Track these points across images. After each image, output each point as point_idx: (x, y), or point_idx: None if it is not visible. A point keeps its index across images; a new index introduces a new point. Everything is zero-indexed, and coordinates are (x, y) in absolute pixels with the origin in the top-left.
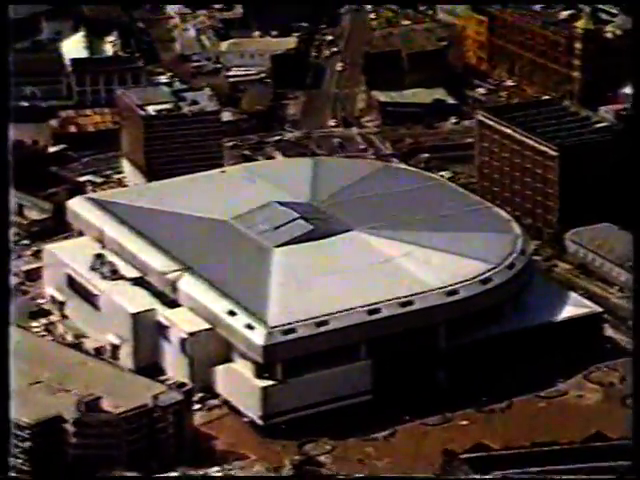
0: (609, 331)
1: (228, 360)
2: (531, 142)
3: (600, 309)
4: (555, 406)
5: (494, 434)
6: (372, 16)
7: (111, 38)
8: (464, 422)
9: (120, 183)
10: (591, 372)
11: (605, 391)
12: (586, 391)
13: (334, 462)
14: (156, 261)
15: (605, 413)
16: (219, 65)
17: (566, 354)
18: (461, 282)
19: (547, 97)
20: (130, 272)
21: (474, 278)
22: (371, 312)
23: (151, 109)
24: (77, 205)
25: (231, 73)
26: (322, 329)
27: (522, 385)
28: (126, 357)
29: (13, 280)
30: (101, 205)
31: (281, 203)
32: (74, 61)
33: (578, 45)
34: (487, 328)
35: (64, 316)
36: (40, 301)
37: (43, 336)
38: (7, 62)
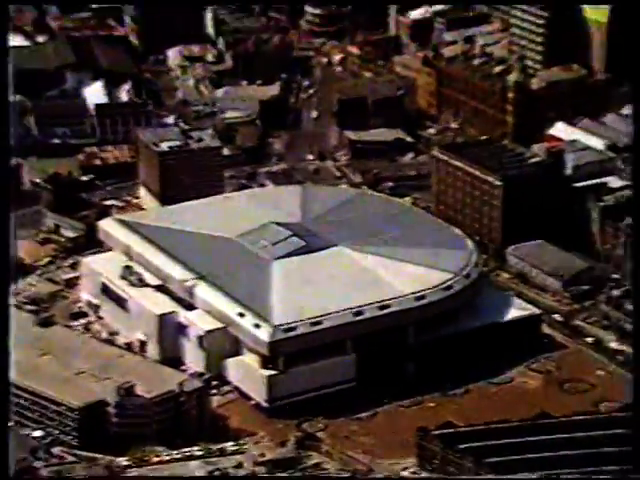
0: (545, 329)
1: (238, 353)
2: (478, 174)
3: (538, 311)
4: (505, 391)
5: (457, 414)
6: (339, 69)
7: (126, 87)
8: (432, 404)
9: (138, 207)
10: (532, 362)
11: (544, 378)
12: (529, 378)
13: (327, 438)
14: (175, 271)
15: (546, 396)
16: (215, 109)
17: (512, 348)
18: (427, 289)
19: (486, 137)
20: (154, 280)
21: (438, 286)
22: (356, 314)
23: (164, 145)
24: (108, 225)
25: (225, 115)
26: (316, 328)
27: (477, 374)
28: (152, 351)
29: (54, 287)
30: (128, 225)
31: (277, 223)
32: (97, 106)
33: (510, 94)
34: (448, 327)
35: (99, 317)
36: (79, 304)
37: (83, 333)
38: (7, 63)
